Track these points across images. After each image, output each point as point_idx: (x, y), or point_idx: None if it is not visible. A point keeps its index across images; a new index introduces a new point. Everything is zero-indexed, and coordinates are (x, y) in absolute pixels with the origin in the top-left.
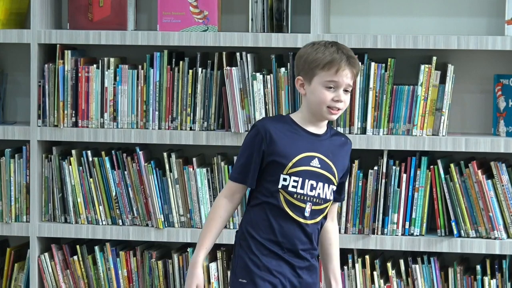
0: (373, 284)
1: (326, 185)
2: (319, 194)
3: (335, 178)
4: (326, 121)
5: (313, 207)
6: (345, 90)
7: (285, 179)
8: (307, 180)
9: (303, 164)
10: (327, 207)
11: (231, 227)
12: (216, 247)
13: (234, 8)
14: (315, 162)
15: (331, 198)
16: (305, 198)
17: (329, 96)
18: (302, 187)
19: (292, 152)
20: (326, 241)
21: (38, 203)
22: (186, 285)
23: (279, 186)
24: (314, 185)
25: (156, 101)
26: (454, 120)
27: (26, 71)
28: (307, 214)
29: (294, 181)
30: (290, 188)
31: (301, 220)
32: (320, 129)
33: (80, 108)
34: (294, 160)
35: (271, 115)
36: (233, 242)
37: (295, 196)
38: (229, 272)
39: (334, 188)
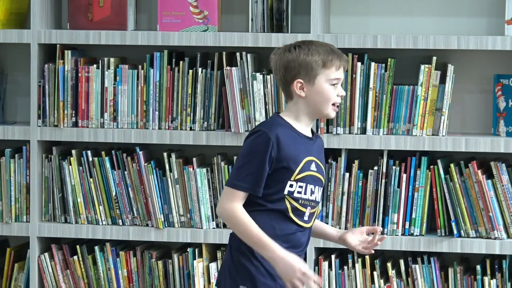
0: (373, 284)
1: (320, 188)
2: (315, 198)
3: (324, 179)
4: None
5: (311, 211)
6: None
7: (291, 185)
8: (308, 185)
9: (306, 169)
10: (317, 209)
11: None
12: (216, 247)
13: (234, 8)
14: (313, 166)
15: (321, 199)
16: (306, 203)
17: (334, 93)
18: (305, 193)
19: (299, 158)
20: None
21: (38, 203)
22: (291, 273)
23: (285, 193)
24: (313, 190)
25: (156, 101)
26: (454, 120)
27: (26, 71)
28: (306, 218)
29: (300, 187)
30: (295, 194)
31: (302, 224)
32: (309, 131)
33: (80, 108)
34: (300, 166)
35: (271, 115)
36: None
37: (300, 201)
38: None
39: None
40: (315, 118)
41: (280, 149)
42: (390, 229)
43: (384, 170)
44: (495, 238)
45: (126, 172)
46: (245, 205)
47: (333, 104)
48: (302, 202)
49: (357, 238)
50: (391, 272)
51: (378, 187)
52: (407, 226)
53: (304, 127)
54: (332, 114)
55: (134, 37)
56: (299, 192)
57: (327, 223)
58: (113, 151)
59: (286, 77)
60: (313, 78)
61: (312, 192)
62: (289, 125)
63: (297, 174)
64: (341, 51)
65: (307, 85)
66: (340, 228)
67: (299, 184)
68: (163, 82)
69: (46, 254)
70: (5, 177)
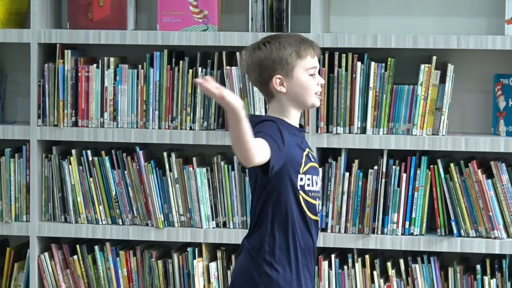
0: (373, 283)
1: (320, 177)
2: (320, 187)
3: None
4: None
5: (318, 202)
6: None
7: (301, 179)
8: (313, 177)
9: (308, 161)
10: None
11: (231, 226)
12: (216, 246)
13: (234, 7)
14: (311, 157)
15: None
16: (316, 195)
17: (314, 82)
18: (313, 184)
19: (300, 149)
20: None
21: (38, 202)
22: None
23: (297, 187)
24: (317, 180)
25: (156, 100)
26: (454, 119)
27: (26, 71)
28: (318, 211)
29: (308, 179)
30: (306, 187)
31: (316, 218)
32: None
33: (80, 107)
34: (304, 157)
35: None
36: (233, 242)
37: (310, 194)
38: (229, 272)
39: None
40: (302, 110)
41: (285, 139)
42: (390, 229)
43: (384, 170)
44: (495, 238)
45: (126, 172)
46: (277, 225)
47: (315, 93)
48: (312, 194)
49: None
50: (391, 272)
51: (378, 186)
52: (407, 226)
53: (294, 122)
54: (317, 103)
55: (134, 37)
56: (308, 185)
57: (327, 223)
58: (113, 151)
59: (262, 76)
60: (291, 71)
61: (316, 183)
62: (281, 120)
63: (304, 166)
64: (341, 51)
65: (286, 80)
66: (339, 229)
67: (307, 176)
68: (163, 82)
69: (46, 254)
70: (5, 177)
